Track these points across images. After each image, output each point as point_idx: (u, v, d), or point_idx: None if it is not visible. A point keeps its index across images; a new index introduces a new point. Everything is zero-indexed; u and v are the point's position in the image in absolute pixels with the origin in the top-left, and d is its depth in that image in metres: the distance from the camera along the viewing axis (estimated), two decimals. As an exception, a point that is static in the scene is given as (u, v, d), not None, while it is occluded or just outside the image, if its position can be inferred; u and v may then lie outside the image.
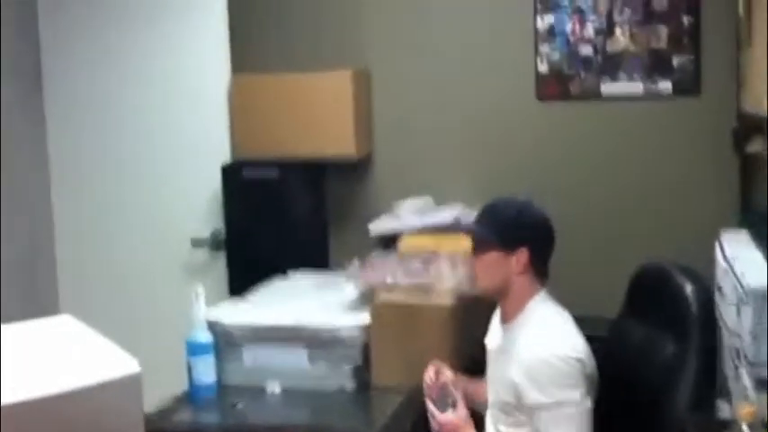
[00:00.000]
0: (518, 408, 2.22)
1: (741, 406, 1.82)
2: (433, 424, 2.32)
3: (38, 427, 1.28)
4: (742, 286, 2.39)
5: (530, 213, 2.36)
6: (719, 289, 2.73)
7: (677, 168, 3.48)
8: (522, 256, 2.29)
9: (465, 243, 2.49)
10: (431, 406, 2.34)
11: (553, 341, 2.24)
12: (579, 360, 2.19)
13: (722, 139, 3.25)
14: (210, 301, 2.97)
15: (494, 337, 2.46)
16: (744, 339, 2.36)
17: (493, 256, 2.32)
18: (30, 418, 1.27)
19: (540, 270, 2.35)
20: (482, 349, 2.53)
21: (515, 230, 2.31)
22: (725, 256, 2.70)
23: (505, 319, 2.38)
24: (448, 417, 2.30)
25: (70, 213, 3.95)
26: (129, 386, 1.37)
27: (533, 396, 2.17)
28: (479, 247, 2.37)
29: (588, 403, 2.17)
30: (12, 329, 1.56)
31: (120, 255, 3.88)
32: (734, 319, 2.49)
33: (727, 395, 2.57)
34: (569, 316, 2.34)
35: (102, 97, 3.86)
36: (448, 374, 2.43)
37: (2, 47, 3.67)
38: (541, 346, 2.23)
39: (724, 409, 2.44)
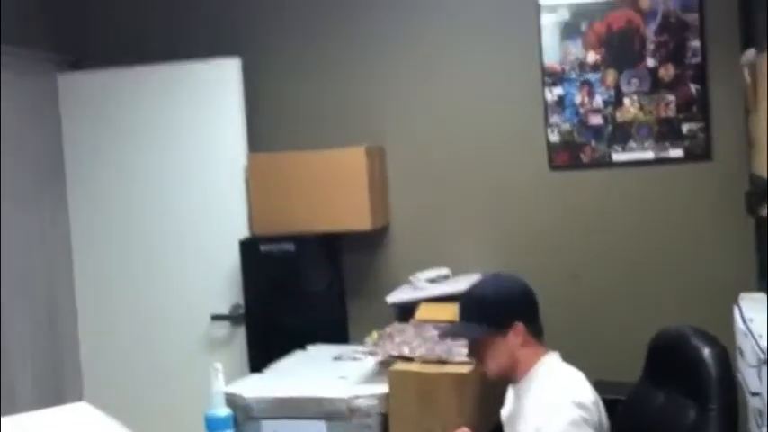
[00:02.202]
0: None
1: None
2: None
3: None
4: (760, 348, 2.38)
5: (506, 288, 2.38)
6: (740, 351, 2.72)
7: (693, 232, 3.49)
8: (517, 331, 2.31)
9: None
10: None
11: (556, 389, 2.24)
12: (582, 406, 2.18)
13: (736, 203, 3.28)
14: (231, 375, 2.98)
15: (507, 406, 2.45)
16: (765, 400, 2.35)
17: (493, 344, 2.34)
18: None
19: (537, 331, 2.36)
20: (501, 426, 2.52)
21: (502, 312, 2.33)
22: (743, 319, 2.70)
23: (515, 381, 2.38)
24: None
25: (92, 292, 4.00)
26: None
27: None
28: (476, 342, 2.38)
29: None
30: (31, 417, 1.61)
31: (141, 331, 3.91)
32: (755, 381, 2.48)
33: (754, 457, 2.54)
34: (579, 372, 2.33)
35: (123, 178, 3.95)
36: None
37: (28, 139, 3.77)
38: (546, 396, 2.24)
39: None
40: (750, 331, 2.56)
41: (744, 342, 2.65)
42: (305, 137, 3.87)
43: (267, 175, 3.76)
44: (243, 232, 3.78)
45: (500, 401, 2.50)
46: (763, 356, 2.37)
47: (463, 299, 2.44)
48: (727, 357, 2.37)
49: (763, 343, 2.38)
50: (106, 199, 3.98)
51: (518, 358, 2.33)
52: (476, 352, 2.40)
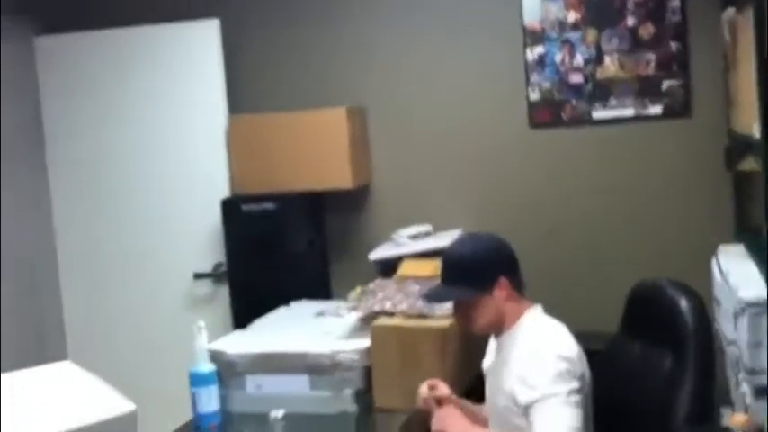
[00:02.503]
0: (514, 412, 2.24)
1: (735, 415, 1.83)
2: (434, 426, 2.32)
3: None
4: (737, 298, 2.42)
5: (483, 246, 2.39)
6: (717, 302, 2.77)
7: (672, 188, 3.53)
8: (502, 285, 2.33)
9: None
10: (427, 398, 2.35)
11: (541, 342, 2.27)
12: (567, 359, 2.21)
13: (715, 158, 3.31)
14: (214, 333, 3.00)
15: (489, 357, 2.48)
16: (741, 349, 2.39)
17: (480, 303, 2.35)
18: None
19: (519, 284, 2.39)
20: (481, 376, 2.55)
21: (485, 270, 2.34)
22: (721, 271, 2.74)
23: (498, 333, 2.41)
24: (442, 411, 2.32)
25: (73, 253, 4.00)
26: (125, 424, 1.43)
27: (526, 394, 2.20)
28: (462, 302, 2.39)
29: (577, 398, 2.18)
30: (16, 376, 1.62)
31: (123, 290, 3.92)
32: (731, 331, 2.52)
33: (730, 404, 2.59)
34: (562, 325, 2.36)
35: (101, 138, 3.93)
36: (444, 389, 2.43)
37: (5, 105, 3.74)
38: (531, 347, 2.27)
39: (727, 417, 2.46)
40: (727, 282, 2.59)
41: (721, 293, 2.70)
42: (286, 98, 3.86)
43: (248, 136, 3.76)
44: (224, 192, 3.78)
45: (481, 353, 2.53)
46: (739, 306, 2.41)
47: (444, 262, 2.44)
48: (703, 308, 2.41)
49: (740, 293, 2.42)
50: (86, 162, 3.96)
51: (504, 312, 2.35)
52: (462, 312, 2.40)
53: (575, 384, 2.19)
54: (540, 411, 2.16)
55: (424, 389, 2.42)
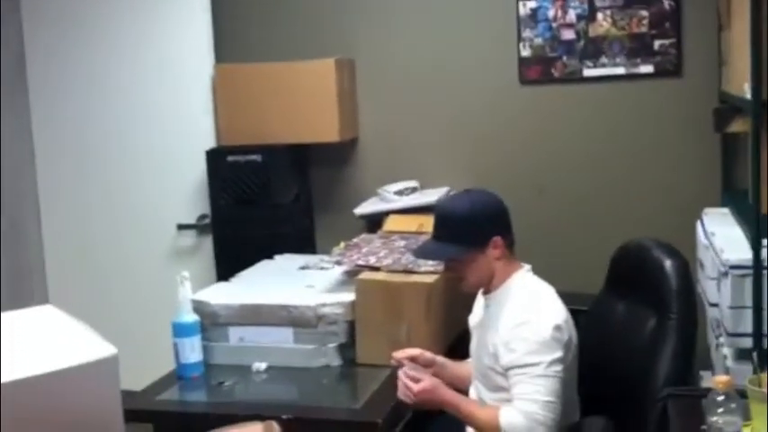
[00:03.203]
0: (496, 371, 2.25)
1: (717, 376, 1.85)
2: (408, 393, 2.29)
3: (19, 407, 1.33)
4: (721, 261, 2.43)
5: (480, 204, 2.34)
6: (701, 264, 2.78)
7: (660, 148, 3.51)
8: (496, 244, 2.32)
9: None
10: (404, 379, 2.31)
11: (529, 307, 2.27)
12: (554, 326, 2.21)
13: (704, 120, 3.28)
14: (198, 284, 2.99)
15: (476, 313, 2.48)
16: (723, 312, 2.41)
17: (471, 260, 2.33)
18: (10, 398, 1.32)
19: (511, 243, 2.37)
20: (466, 333, 2.55)
21: (480, 228, 2.32)
22: (705, 233, 2.75)
23: (487, 291, 2.40)
24: (421, 384, 2.29)
25: (56, 202, 3.96)
26: (106, 368, 1.43)
27: (507, 357, 2.21)
28: (454, 260, 2.36)
29: (558, 368, 2.19)
30: (-3, 319, 1.60)
31: (107, 241, 3.89)
32: (714, 293, 2.53)
33: (710, 366, 2.62)
34: (550, 288, 2.36)
35: (85, 88, 3.86)
36: (427, 356, 2.43)
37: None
38: (518, 312, 2.26)
39: (706, 379, 2.48)
40: (711, 244, 2.60)
41: (705, 255, 2.71)
42: (274, 48, 3.80)
43: (235, 86, 3.71)
44: (210, 143, 3.74)
45: (467, 309, 2.53)
46: (723, 269, 2.42)
47: (437, 218, 2.39)
48: (687, 269, 2.41)
49: (724, 256, 2.43)
50: (70, 108, 3.89)
51: (494, 271, 2.34)
52: (453, 269, 2.39)
53: (557, 354, 2.19)
54: (518, 378, 2.17)
55: (398, 356, 2.37)
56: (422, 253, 2.49)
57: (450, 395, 2.30)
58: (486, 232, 2.31)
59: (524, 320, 2.23)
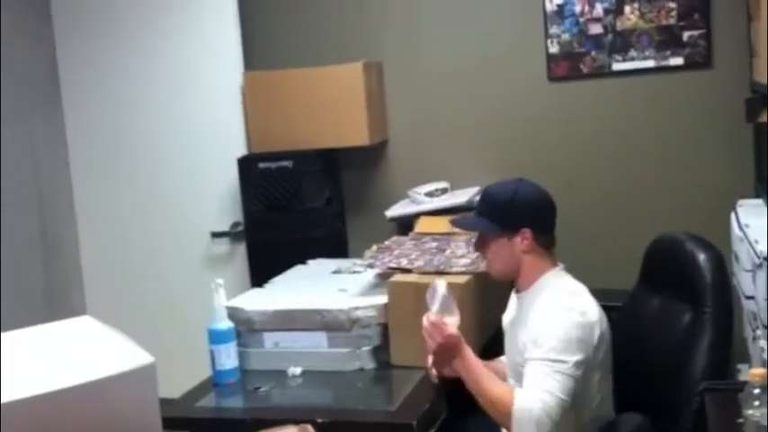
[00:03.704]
0: (524, 365, 2.24)
1: (753, 369, 1.82)
2: (434, 336, 2.26)
3: (58, 418, 1.35)
4: (756, 252, 2.39)
5: (525, 193, 2.37)
6: (736, 257, 2.74)
7: (692, 140, 3.48)
8: (525, 237, 2.32)
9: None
10: (432, 319, 2.26)
11: (559, 306, 2.26)
12: (582, 326, 2.20)
13: (736, 110, 3.23)
14: (232, 291, 3.01)
15: (509, 312, 2.48)
16: (759, 304, 2.37)
17: (498, 243, 2.36)
18: (50, 409, 1.33)
19: (548, 243, 2.37)
20: (500, 330, 2.55)
21: (514, 214, 2.34)
22: (740, 224, 2.71)
23: (519, 290, 2.40)
24: (450, 329, 2.24)
25: (91, 213, 4.02)
26: (144, 376, 1.44)
27: (533, 351, 2.20)
28: (484, 237, 2.40)
29: (580, 371, 2.17)
30: (35, 331, 1.64)
31: (141, 251, 3.95)
32: (750, 285, 2.49)
33: (747, 359, 2.58)
34: (583, 287, 2.35)
35: (117, 98, 3.92)
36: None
37: (18, 55, 3.73)
38: (548, 309, 2.26)
39: (744, 372, 2.44)
40: (746, 236, 2.56)
41: (740, 247, 2.66)
42: (301, 54, 3.83)
43: (264, 92, 3.74)
44: (241, 150, 3.77)
45: (500, 308, 2.53)
46: (758, 260, 2.38)
47: (482, 195, 2.46)
48: (722, 262, 2.39)
49: (758, 247, 2.39)
50: (102, 119, 3.96)
51: (522, 264, 2.34)
52: (481, 248, 2.41)
53: (582, 355, 2.18)
54: (540, 369, 2.16)
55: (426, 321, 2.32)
56: (457, 222, 2.57)
57: (469, 353, 2.26)
58: (520, 221, 2.32)
59: (553, 318, 2.22)
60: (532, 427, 2.10)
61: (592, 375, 2.24)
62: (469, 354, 2.28)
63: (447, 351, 2.27)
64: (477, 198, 2.54)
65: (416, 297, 2.72)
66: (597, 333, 2.22)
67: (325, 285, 3.02)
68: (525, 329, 2.29)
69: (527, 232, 2.32)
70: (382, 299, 2.75)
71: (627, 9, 3.51)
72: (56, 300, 3.91)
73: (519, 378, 2.32)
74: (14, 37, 3.73)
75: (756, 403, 1.72)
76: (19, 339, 1.60)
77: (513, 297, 2.46)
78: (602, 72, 3.55)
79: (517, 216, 2.33)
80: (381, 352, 2.73)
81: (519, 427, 2.11)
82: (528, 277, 2.36)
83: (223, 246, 3.85)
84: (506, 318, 2.49)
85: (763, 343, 2.35)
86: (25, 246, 3.77)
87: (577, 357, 2.16)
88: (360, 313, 2.72)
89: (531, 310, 2.31)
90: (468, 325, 2.70)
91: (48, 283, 3.89)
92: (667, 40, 3.47)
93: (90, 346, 1.58)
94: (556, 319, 2.21)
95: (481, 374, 2.25)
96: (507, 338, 2.45)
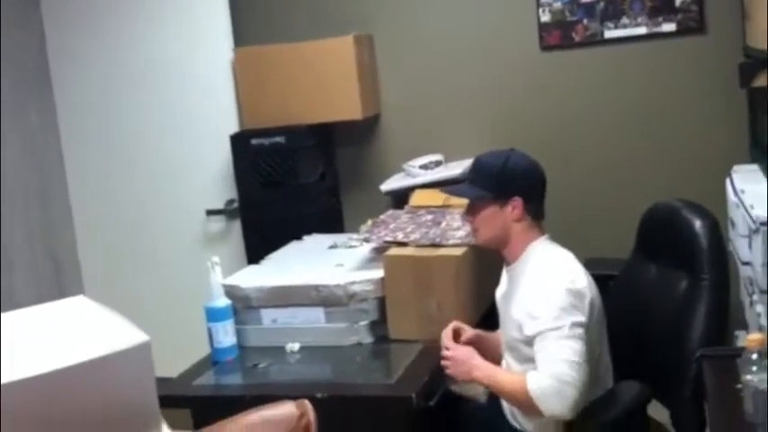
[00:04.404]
0: (523, 341, 2.25)
1: (750, 335, 1.83)
2: (446, 357, 2.38)
3: (56, 398, 1.35)
4: (752, 218, 2.39)
5: (516, 163, 2.37)
6: (732, 222, 2.74)
7: (686, 107, 3.46)
8: (516, 205, 2.33)
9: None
10: (445, 341, 2.41)
11: (548, 274, 2.27)
12: (573, 292, 2.20)
13: (730, 76, 3.22)
14: (229, 268, 3.01)
15: (501, 287, 2.49)
16: (756, 269, 2.38)
17: (489, 211, 2.36)
18: (47, 390, 1.33)
19: (537, 213, 2.38)
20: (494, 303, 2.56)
21: (505, 183, 2.34)
22: (735, 190, 2.71)
23: (508, 263, 2.41)
24: (454, 352, 2.37)
25: (85, 194, 4.01)
26: (139, 355, 1.44)
27: (531, 325, 2.21)
28: (474, 204, 2.41)
29: (581, 330, 2.18)
30: (31, 312, 1.63)
31: (137, 230, 3.94)
32: (746, 251, 2.50)
33: (745, 325, 2.59)
34: (571, 254, 2.35)
35: (108, 79, 3.89)
36: (468, 332, 2.47)
37: (5, 42, 3.70)
38: (537, 280, 2.27)
39: (742, 338, 2.45)
40: (741, 202, 2.56)
41: (735, 213, 2.67)
42: (292, 28, 3.79)
43: (255, 68, 3.71)
44: (233, 127, 3.75)
45: (494, 281, 2.53)
46: (753, 226, 2.38)
47: (473, 163, 2.46)
48: (717, 228, 2.39)
49: (754, 212, 2.39)
50: (94, 102, 3.93)
51: (510, 233, 2.35)
52: (471, 214, 2.42)
53: (579, 317, 2.18)
54: (541, 344, 2.17)
55: (447, 332, 2.45)
56: (449, 190, 2.59)
57: (481, 362, 2.33)
58: (511, 190, 2.33)
59: (543, 288, 2.23)
60: (553, 400, 2.11)
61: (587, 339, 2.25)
62: (478, 364, 2.33)
63: (459, 370, 2.35)
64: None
65: (413, 270, 2.73)
66: (588, 299, 2.23)
67: (321, 261, 3.01)
68: (517, 302, 2.30)
69: (518, 200, 2.32)
70: (379, 273, 2.75)
71: (618, -24, 3.48)
72: (53, 280, 3.90)
73: (513, 352, 2.34)
74: (4, 26, 3.69)
75: (754, 368, 1.73)
76: (15, 320, 1.60)
77: (504, 271, 2.46)
78: (595, 40, 3.52)
79: (509, 184, 2.34)
80: (379, 326, 2.74)
81: (545, 406, 2.13)
82: (516, 247, 2.36)
83: (218, 223, 3.84)
84: (498, 292, 2.50)
85: (759, 308, 2.36)
86: (22, 231, 3.76)
87: (572, 319, 2.17)
88: (356, 288, 2.72)
89: (520, 281, 2.33)
90: (465, 297, 2.71)
91: (44, 265, 3.88)
92: (660, 6, 3.44)
93: (85, 325, 1.58)
94: (546, 288, 2.22)
95: (494, 375, 2.31)
96: (501, 313, 2.46)
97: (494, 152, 2.44)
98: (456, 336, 2.46)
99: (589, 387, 2.17)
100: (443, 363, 2.39)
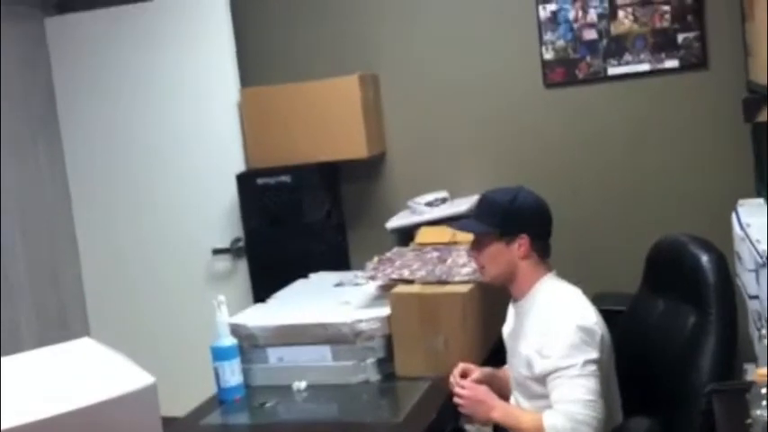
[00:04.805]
0: (532, 378, 2.24)
1: (759, 369, 1.81)
2: (460, 397, 2.36)
3: None
4: (758, 252, 2.38)
5: (523, 200, 2.37)
6: (738, 257, 2.73)
7: (690, 142, 3.48)
8: (522, 243, 2.32)
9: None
10: (456, 382, 2.40)
11: (557, 312, 2.26)
12: (583, 329, 2.19)
13: (733, 111, 3.23)
14: (235, 307, 3.01)
15: (508, 324, 2.48)
16: (763, 303, 2.36)
17: (494, 247, 2.36)
18: None
19: (544, 250, 2.37)
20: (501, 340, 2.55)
21: (512, 220, 2.34)
22: (741, 224, 2.70)
23: (516, 299, 2.40)
24: (476, 388, 2.36)
25: (92, 233, 4.03)
26: (145, 397, 1.43)
27: (542, 364, 2.19)
28: (479, 239, 2.40)
29: (593, 368, 2.17)
30: (35, 354, 1.63)
31: (143, 270, 3.95)
32: (753, 285, 2.49)
33: (754, 358, 2.57)
34: (579, 290, 2.34)
35: (114, 119, 3.94)
36: (476, 374, 2.45)
37: (13, 82, 3.74)
38: (546, 318, 2.26)
39: (752, 372, 2.43)
40: (747, 236, 2.56)
41: (741, 247, 2.66)
42: (297, 69, 3.84)
43: (260, 108, 3.75)
44: (239, 166, 3.77)
45: (501, 318, 2.53)
46: (760, 260, 2.37)
47: (480, 198, 2.47)
48: (724, 262, 2.38)
49: (760, 247, 2.38)
50: (100, 140, 3.97)
51: (517, 271, 2.34)
52: (476, 250, 2.41)
53: (591, 354, 2.17)
54: (556, 383, 2.16)
55: (455, 374, 2.44)
56: (455, 225, 2.61)
57: (499, 402, 2.33)
58: (518, 228, 2.33)
59: (553, 325, 2.22)
60: None
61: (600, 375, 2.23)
62: (500, 402, 2.33)
63: (476, 410, 2.35)
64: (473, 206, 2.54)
65: (419, 307, 2.72)
66: (598, 334, 2.22)
67: (327, 299, 3.01)
68: (526, 340, 2.29)
69: (524, 238, 2.32)
70: (385, 310, 2.74)
71: (620, 14, 3.52)
72: (59, 322, 3.90)
73: (522, 389, 2.32)
74: (11, 64, 3.74)
75: (764, 403, 1.71)
76: (19, 363, 1.59)
77: (511, 308, 2.46)
78: (598, 77, 3.55)
79: (516, 222, 2.34)
80: (386, 364, 2.72)
81: None
82: (523, 285, 2.36)
83: (225, 262, 3.84)
84: (506, 329, 2.49)
85: (768, 342, 2.34)
86: (28, 270, 3.77)
87: (585, 357, 2.15)
88: (363, 326, 2.71)
89: (528, 318, 2.32)
90: (472, 334, 2.70)
91: (50, 306, 3.88)
92: (662, 42, 3.47)
93: (90, 368, 1.57)
94: (556, 325, 2.21)
95: (511, 414, 2.30)
96: (509, 350, 2.45)
97: (502, 189, 2.44)
98: (464, 376, 2.44)
99: (604, 423, 2.16)
100: (457, 401, 2.37)
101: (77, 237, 4.04)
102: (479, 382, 2.42)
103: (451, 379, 2.43)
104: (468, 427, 2.47)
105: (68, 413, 1.37)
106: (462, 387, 2.37)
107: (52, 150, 3.97)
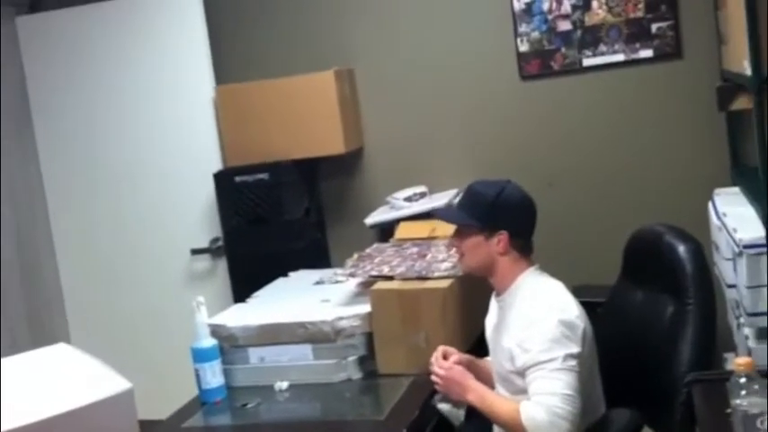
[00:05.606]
0: (514, 372, 2.24)
1: (738, 358, 1.82)
2: (437, 376, 2.36)
3: None
4: (735, 241, 2.40)
5: (507, 196, 2.35)
6: (716, 246, 2.75)
7: (666, 132, 3.49)
8: (501, 239, 2.32)
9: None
10: (435, 361, 2.40)
11: (539, 306, 2.26)
12: (564, 323, 2.19)
13: (708, 100, 3.25)
14: (215, 308, 2.99)
15: (490, 318, 2.47)
16: (741, 292, 2.38)
17: (474, 239, 2.35)
18: None
19: (524, 247, 2.37)
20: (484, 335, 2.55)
21: (494, 215, 2.33)
22: (717, 214, 2.72)
23: (498, 293, 2.40)
24: (450, 371, 2.35)
25: (69, 235, 3.99)
26: (122, 403, 1.43)
27: (522, 358, 2.20)
28: (461, 230, 2.40)
29: (573, 362, 2.17)
30: (14, 360, 1.62)
31: (122, 271, 3.92)
32: (731, 274, 2.51)
33: (733, 347, 2.59)
34: (561, 284, 2.34)
35: (90, 119, 3.90)
36: (458, 355, 2.45)
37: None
38: (528, 312, 2.26)
39: (731, 361, 2.45)
40: (724, 225, 2.57)
41: (718, 236, 2.68)
42: (272, 65, 3.81)
43: (236, 105, 3.72)
44: (216, 165, 3.75)
45: (483, 311, 2.52)
46: (737, 249, 2.39)
47: (467, 188, 2.45)
48: (701, 252, 2.39)
49: (737, 236, 2.40)
50: (75, 140, 3.94)
51: (496, 265, 2.34)
52: (459, 239, 2.40)
53: (571, 349, 2.17)
54: (534, 376, 2.16)
55: (437, 355, 2.42)
56: (439, 212, 2.65)
57: (475, 384, 2.32)
58: (499, 223, 2.32)
59: (534, 319, 2.22)
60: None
61: (580, 371, 2.23)
62: (472, 383, 2.32)
63: (451, 387, 2.34)
64: (460, 194, 2.52)
65: (400, 304, 2.72)
66: (581, 328, 2.22)
67: (307, 297, 3.00)
68: (508, 334, 2.29)
69: (503, 235, 2.31)
70: (366, 308, 2.73)
71: (594, 4, 3.52)
72: (38, 325, 3.86)
73: (505, 383, 2.32)
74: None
75: (743, 392, 1.72)
76: (-5, 370, 1.58)
77: (494, 302, 2.45)
78: (574, 68, 3.55)
79: (497, 217, 2.33)
80: (367, 361, 2.72)
81: None
82: (504, 279, 2.35)
83: (204, 262, 3.82)
84: (488, 323, 2.49)
85: (747, 331, 2.36)
86: (2, 272, 3.73)
87: (567, 351, 2.16)
88: (344, 323, 2.71)
89: (510, 312, 2.32)
90: (453, 329, 2.70)
91: (28, 309, 3.85)
92: (636, 32, 3.48)
93: (67, 374, 1.57)
94: (538, 320, 2.21)
95: (489, 398, 2.29)
96: (491, 344, 2.45)
97: (491, 181, 2.42)
98: (445, 358, 2.43)
99: (582, 417, 2.16)
100: (434, 378, 2.37)
101: (53, 237, 4.00)
102: (459, 364, 2.41)
103: (432, 359, 2.42)
104: (441, 405, 2.45)
105: (45, 420, 1.36)
106: (441, 367, 2.36)
107: (26, 153, 3.92)
